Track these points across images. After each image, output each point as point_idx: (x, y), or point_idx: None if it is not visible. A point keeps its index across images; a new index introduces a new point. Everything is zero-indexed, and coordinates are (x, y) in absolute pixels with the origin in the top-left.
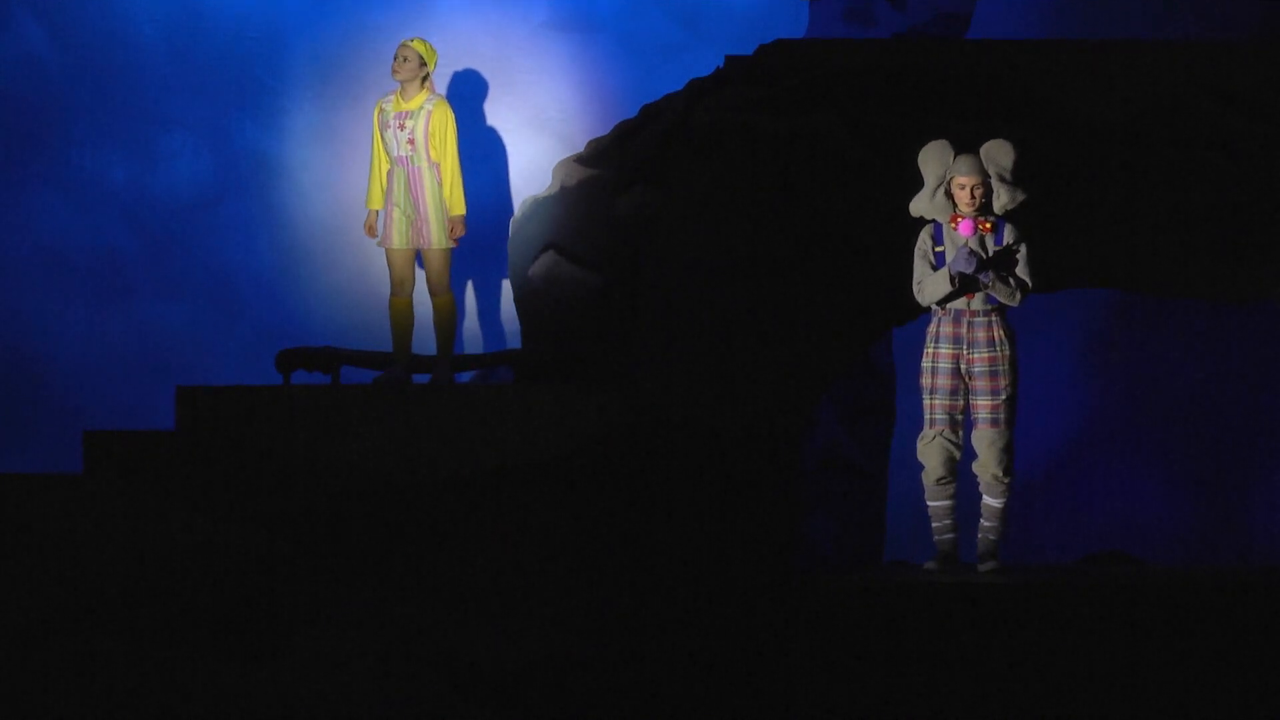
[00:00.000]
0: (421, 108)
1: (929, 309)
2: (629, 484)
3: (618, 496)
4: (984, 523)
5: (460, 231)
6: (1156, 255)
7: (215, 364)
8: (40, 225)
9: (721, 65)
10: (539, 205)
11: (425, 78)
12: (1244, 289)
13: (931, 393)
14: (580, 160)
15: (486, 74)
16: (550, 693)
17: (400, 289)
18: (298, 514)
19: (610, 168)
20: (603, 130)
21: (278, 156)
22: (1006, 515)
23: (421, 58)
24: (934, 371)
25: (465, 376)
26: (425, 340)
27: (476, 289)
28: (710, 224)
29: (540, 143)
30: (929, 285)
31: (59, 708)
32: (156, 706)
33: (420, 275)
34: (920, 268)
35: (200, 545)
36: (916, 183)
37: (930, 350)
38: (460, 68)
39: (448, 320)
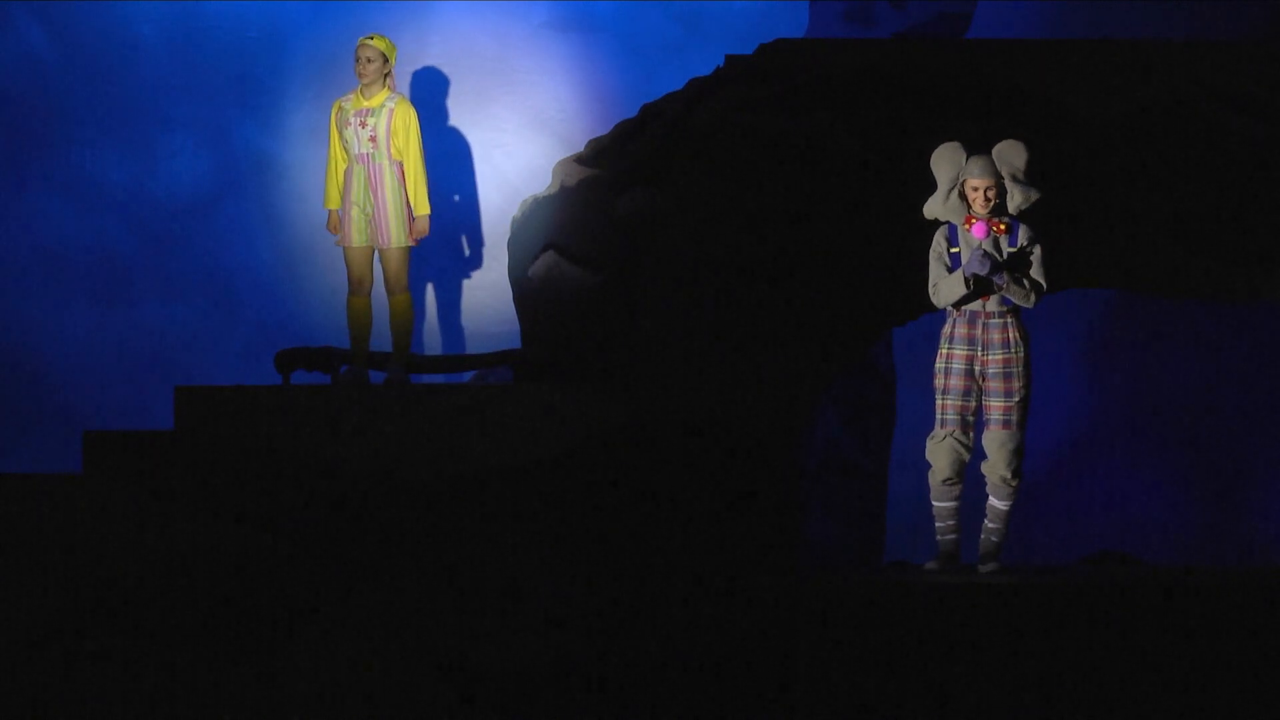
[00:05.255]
0: (383, 105)
1: (942, 309)
2: (629, 484)
3: (618, 496)
4: (988, 524)
5: (423, 231)
6: (1156, 255)
7: (215, 364)
8: (40, 225)
9: (721, 65)
10: (539, 205)
11: (387, 75)
12: (1244, 289)
13: (944, 393)
14: (580, 160)
15: (487, 74)
16: (550, 693)
17: (359, 288)
18: (298, 514)
19: (610, 168)
20: (603, 130)
21: (277, 156)
22: (1010, 518)
23: (384, 55)
24: (947, 372)
25: (465, 376)
26: (428, 341)
27: (476, 289)
28: (710, 224)
29: (540, 143)
30: (944, 287)
31: (59, 708)
32: (157, 706)
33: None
34: (935, 270)
35: (200, 545)
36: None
37: (944, 351)
38: (461, 68)
39: (405, 319)
